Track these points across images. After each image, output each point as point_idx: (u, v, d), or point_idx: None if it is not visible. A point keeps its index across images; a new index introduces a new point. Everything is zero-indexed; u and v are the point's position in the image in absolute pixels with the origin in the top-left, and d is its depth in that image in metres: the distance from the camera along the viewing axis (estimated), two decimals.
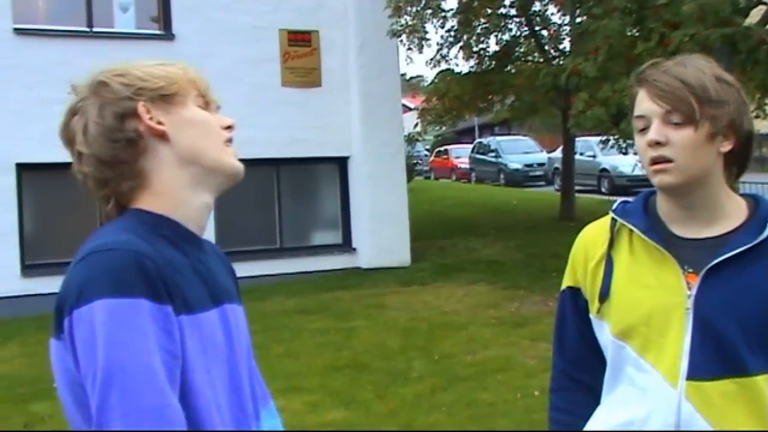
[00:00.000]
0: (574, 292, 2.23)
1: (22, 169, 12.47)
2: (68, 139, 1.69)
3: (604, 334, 2.13)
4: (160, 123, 1.65)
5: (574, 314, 2.23)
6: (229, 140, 1.75)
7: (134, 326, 1.45)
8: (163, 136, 1.65)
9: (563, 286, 2.27)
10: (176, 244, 1.64)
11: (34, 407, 7.52)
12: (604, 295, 2.11)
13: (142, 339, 1.45)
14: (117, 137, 1.62)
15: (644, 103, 2.01)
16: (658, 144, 1.98)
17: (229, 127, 1.75)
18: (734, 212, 2.05)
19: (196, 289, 1.60)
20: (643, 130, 2.02)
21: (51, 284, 12.03)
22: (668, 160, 1.97)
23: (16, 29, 12.47)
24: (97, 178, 1.65)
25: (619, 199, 2.25)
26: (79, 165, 1.67)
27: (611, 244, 2.14)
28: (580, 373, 2.24)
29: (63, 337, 1.50)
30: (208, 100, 1.75)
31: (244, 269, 13.06)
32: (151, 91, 1.66)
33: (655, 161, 1.99)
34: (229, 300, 1.71)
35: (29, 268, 12.48)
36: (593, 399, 2.20)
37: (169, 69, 1.71)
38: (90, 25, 13.07)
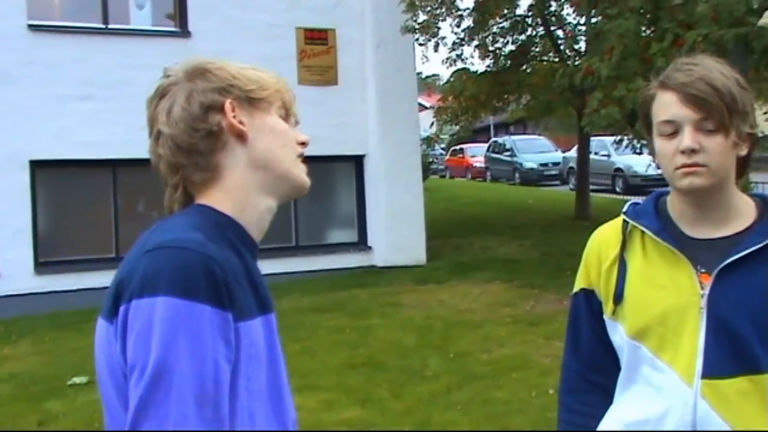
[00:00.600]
0: (588, 294, 2.24)
1: (37, 166, 12.46)
2: (152, 118, 1.71)
3: (618, 335, 2.15)
4: (241, 123, 1.68)
5: (589, 316, 2.24)
6: (301, 155, 1.78)
7: (194, 331, 1.44)
8: (241, 136, 1.68)
9: (576, 288, 2.29)
10: (237, 248, 1.64)
11: (48, 405, 7.56)
12: (619, 296, 2.13)
13: (199, 345, 1.44)
14: (199, 126, 1.65)
15: (674, 108, 2.01)
16: (693, 151, 1.98)
17: (303, 143, 1.79)
18: (744, 212, 2.08)
19: (248, 296, 1.60)
20: (671, 134, 2.01)
21: (64, 282, 12.21)
22: (701, 166, 1.98)
23: (30, 25, 12.46)
24: (171, 163, 1.67)
25: (630, 201, 2.25)
26: (155, 146, 1.69)
27: (624, 245, 2.15)
28: (596, 374, 2.25)
29: (116, 321, 1.50)
30: (290, 114, 1.79)
31: (260, 267, 13.21)
32: (241, 91, 1.69)
33: (686, 166, 1.99)
34: (271, 309, 1.72)
35: (43, 265, 12.51)
36: (607, 400, 2.21)
37: (261, 75, 1.75)
38: (105, 21, 13.09)
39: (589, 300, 2.24)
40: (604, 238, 2.22)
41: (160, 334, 1.43)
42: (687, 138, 1.98)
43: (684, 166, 1.99)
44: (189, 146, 1.65)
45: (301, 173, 1.77)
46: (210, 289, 1.47)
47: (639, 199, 2.23)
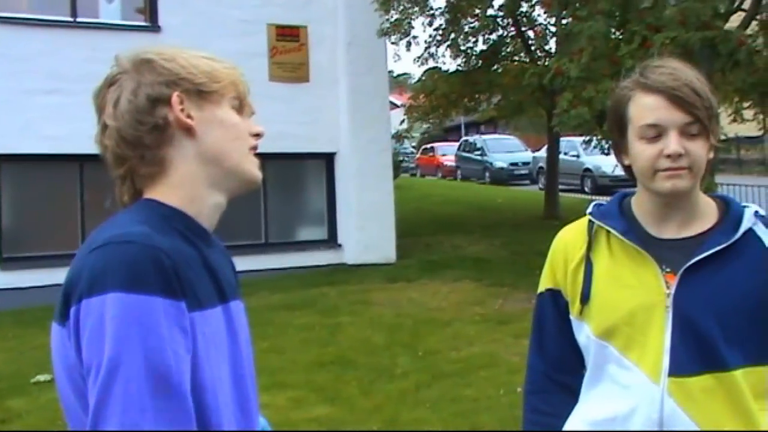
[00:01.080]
0: (554, 294, 2.26)
1: (2, 160, 12.32)
2: (99, 107, 1.67)
3: (584, 334, 2.17)
4: (189, 117, 1.64)
5: (555, 316, 2.26)
6: (254, 147, 1.74)
7: (146, 324, 1.42)
8: (189, 131, 1.64)
9: (541, 288, 2.30)
10: (188, 238, 1.62)
11: (11, 403, 7.47)
12: (585, 296, 2.14)
13: (153, 337, 1.42)
14: (144, 120, 1.61)
15: (659, 112, 2.01)
16: (680, 156, 2.00)
17: (257, 135, 1.75)
18: (707, 213, 2.11)
19: (205, 285, 1.59)
20: (654, 138, 2.01)
21: (29, 278, 12.09)
22: (685, 169, 2.01)
23: None
24: (117, 155, 1.64)
25: (593, 203, 2.27)
26: (102, 136, 1.66)
27: (589, 246, 2.17)
28: (561, 374, 2.26)
29: (68, 324, 1.48)
30: (245, 104, 1.74)
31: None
32: (191, 84, 1.65)
33: (672, 170, 2.00)
34: (234, 296, 1.71)
35: (7, 261, 12.36)
36: (572, 400, 2.22)
37: (214, 65, 1.70)
38: (74, 15, 12.97)
39: (555, 300, 2.25)
40: (570, 239, 2.24)
41: (113, 331, 1.40)
42: (674, 142, 1.98)
43: (669, 169, 2.00)
44: (134, 139, 1.61)
45: (252, 167, 1.73)
46: (159, 281, 1.45)
47: (603, 200, 2.25)
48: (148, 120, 1.61)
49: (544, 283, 2.29)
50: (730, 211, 2.09)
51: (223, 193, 1.71)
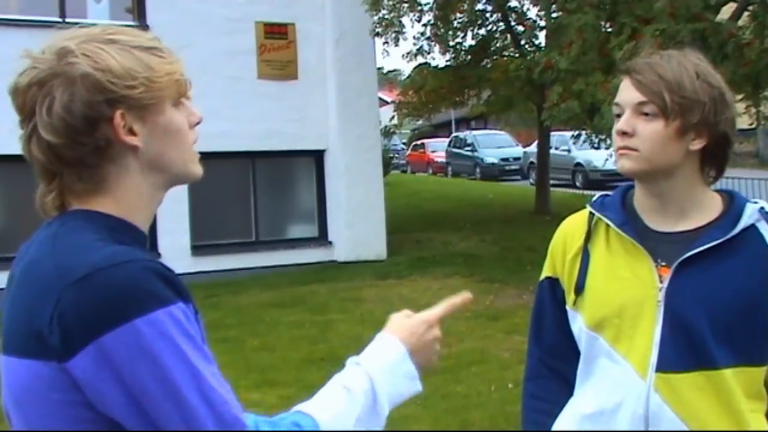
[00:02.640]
0: (553, 282, 2.26)
1: None
2: (24, 108, 1.54)
3: (578, 325, 2.17)
4: (132, 132, 1.51)
5: (553, 304, 2.27)
6: (195, 141, 1.64)
7: (181, 330, 1.40)
8: (134, 148, 1.52)
9: (542, 276, 2.30)
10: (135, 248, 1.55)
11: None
12: (580, 287, 2.14)
13: (190, 339, 1.41)
14: (84, 141, 1.48)
15: (622, 92, 2.05)
16: (625, 134, 2.01)
17: (197, 123, 1.64)
18: (709, 207, 2.07)
19: None
20: (619, 116, 2.05)
21: None
22: (633, 150, 2.01)
23: None
24: (48, 170, 1.52)
25: (599, 193, 2.27)
26: (29, 144, 1.53)
27: (588, 237, 2.16)
28: (557, 361, 2.27)
29: (69, 363, 1.38)
30: (183, 96, 1.61)
31: (219, 263, 13.05)
32: (131, 99, 1.50)
33: (620, 149, 2.03)
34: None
35: (1, 261, 12.29)
36: (568, 388, 2.23)
37: (153, 64, 1.53)
38: (62, 15, 12.94)
39: (553, 288, 2.26)
40: (570, 229, 2.24)
41: (159, 350, 1.37)
42: (621, 121, 2.03)
43: (619, 148, 2.03)
44: (73, 159, 1.49)
45: (194, 167, 1.63)
46: (170, 288, 1.42)
47: (609, 192, 2.24)
48: (87, 141, 1.48)
49: (545, 271, 2.29)
50: (732, 206, 2.06)
51: (164, 190, 1.62)
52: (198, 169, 1.64)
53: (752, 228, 2.02)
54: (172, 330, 1.38)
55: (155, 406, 1.37)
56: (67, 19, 12.89)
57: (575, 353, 2.21)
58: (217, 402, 1.40)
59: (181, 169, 1.61)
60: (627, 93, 2.03)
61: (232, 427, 1.40)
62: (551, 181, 20.47)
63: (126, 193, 1.55)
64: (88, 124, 1.48)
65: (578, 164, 25.93)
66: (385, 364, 1.72)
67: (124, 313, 1.36)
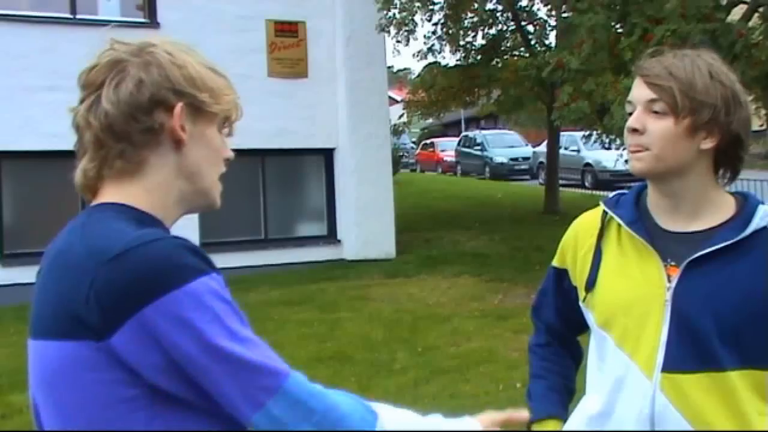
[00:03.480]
0: (559, 273, 2.29)
1: (3, 157, 12.33)
2: (93, 83, 1.61)
3: (591, 322, 2.19)
4: (183, 129, 1.61)
5: (554, 292, 2.32)
6: (222, 174, 1.73)
7: (219, 295, 1.48)
8: (179, 143, 1.61)
9: (551, 264, 2.34)
10: None
11: (12, 398, 7.47)
12: (591, 285, 2.14)
13: (228, 305, 1.50)
14: (141, 118, 1.57)
15: (634, 90, 2.05)
16: (635, 131, 2.01)
17: (227, 160, 1.73)
18: (721, 207, 2.06)
19: None
20: (631, 114, 2.05)
21: (30, 274, 11.96)
22: (644, 148, 2.00)
23: None
24: (98, 137, 1.58)
25: (612, 193, 2.27)
26: (87, 112, 1.60)
27: (601, 234, 2.17)
28: (555, 336, 2.38)
29: (108, 341, 1.43)
30: (228, 127, 1.73)
31: (228, 260, 13.06)
32: (195, 99, 1.62)
33: (632, 147, 2.03)
34: None
35: (9, 257, 12.37)
36: (569, 353, 2.38)
37: (219, 83, 1.68)
38: (74, 11, 12.97)
39: (558, 277, 2.30)
40: (584, 225, 2.24)
41: (196, 321, 1.44)
42: (632, 118, 2.03)
43: (631, 147, 2.03)
44: (122, 132, 1.57)
45: (217, 195, 1.71)
46: (203, 259, 1.49)
47: (626, 191, 2.25)
48: (144, 119, 1.57)
49: (554, 260, 2.33)
50: (745, 208, 2.04)
51: (184, 210, 1.69)
52: (218, 200, 1.72)
53: (763, 230, 2.00)
54: (209, 298, 1.46)
55: (200, 370, 1.45)
56: (78, 16, 12.94)
57: (572, 333, 2.34)
58: (257, 357, 1.48)
59: (208, 188, 1.69)
60: (638, 90, 2.03)
61: (275, 377, 1.49)
62: (560, 181, 20.46)
63: (157, 187, 1.61)
64: (150, 104, 1.57)
65: (587, 164, 25.89)
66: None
67: (162, 285, 1.43)
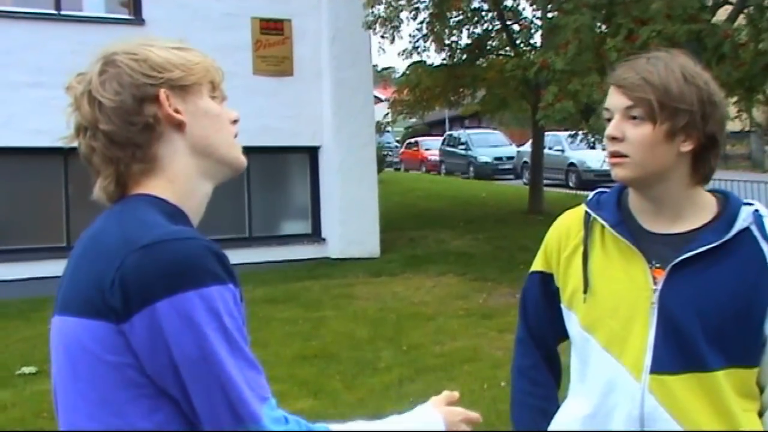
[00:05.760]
0: (544, 277, 2.27)
1: None
2: (82, 125, 1.66)
3: (573, 324, 2.17)
4: (177, 111, 1.66)
5: (538, 297, 2.30)
6: (236, 135, 1.77)
7: (227, 310, 1.51)
8: (180, 125, 1.66)
9: (533, 269, 2.32)
10: None
11: None
12: (586, 286, 2.13)
13: (233, 320, 1.52)
14: (135, 120, 1.62)
15: (610, 97, 2.06)
16: (615, 139, 2.02)
17: (235, 121, 1.78)
18: (704, 208, 2.07)
19: None
20: (609, 120, 2.06)
21: (13, 271, 12.02)
22: (623, 156, 2.01)
23: None
24: (106, 156, 1.64)
25: (596, 191, 2.27)
26: (86, 139, 1.66)
27: (586, 236, 2.16)
28: (542, 349, 2.34)
29: (128, 324, 1.48)
30: (217, 91, 1.76)
31: None
32: (171, 80, 1.66)
33: (611, 155, 2.04)
34: None
35: None
36: (555, 369, 2.34)
37: (187, 57, 1.71)
38: (58, 7, 12.91)
39: (544, 282, 2.28)
40: (566, 227, 2.24)
41: (204, 324, 1.47)
42: (610, 126, 2.04)
43: (611, 154, 2.04)
44: (125, 140, 1.62)
45: (239, 154, 1.77)
46: (224, 270, 1.52)
47: (606, 189, 2.25)
48: (138, 120, 1.63)
49: (536, 265, 2.31)
50: (727, 209, 2.05)
51: (212, 181, 1.74)
52: (242, 157, 1.78)
53: (746, 231, 2.02)
54: (221, 307, 1.49)
55: (193, 373, 1.48)
56: (63, 12, 12.87)
57: (556, 352, 2.31)
58: (244, 382, 1.50)
59: (226, 154, 1.73)
60: (615, 98, 2.04)
61: (249, 416, 1.50)
62: (545, 181, 20.50)
63: (177, 174, 1.67)
64: (136, 103, 1.62)
65: (572, 164, 26.02)
66: (420, 423, 1.83)
67: (180, 283, 1.47)
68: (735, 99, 14.00)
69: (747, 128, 13.56)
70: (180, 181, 1.67)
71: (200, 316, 1.46)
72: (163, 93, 1.64)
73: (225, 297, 1.51)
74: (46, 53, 12.18)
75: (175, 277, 1.47)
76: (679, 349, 1.98)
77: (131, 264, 1.49)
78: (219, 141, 1.72)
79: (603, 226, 2.13)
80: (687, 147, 2.00)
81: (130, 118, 1.62)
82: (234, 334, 1.50)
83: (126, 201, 1.66)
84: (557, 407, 2.26)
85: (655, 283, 2.02)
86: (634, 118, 1.99)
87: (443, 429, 1.80)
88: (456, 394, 1.93)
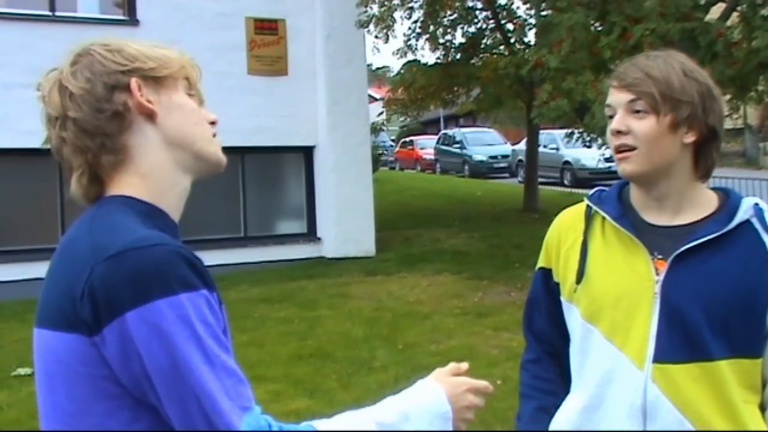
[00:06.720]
0: (546, 273, 2.31)
1: None
2: (49, 102, 1.66)
3: (573, 317, 2.20)
4: (149, 101, 1.62)
5: (544, 294, 2.32)
6: (214, 135, 1.73)
7: (200, 317, 1.46)
8: (151, 116, 1.63)
9: (537, 266, 2.35)
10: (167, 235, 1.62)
11: None
12: (579, 278, 2.17)
13: (208, 327, 1.47)
14: (104, 107, 1.59)
15: (611, 95, 2.10)
16: (620, 133, 2.05)
17: (213, 123, 1.74)
18: (705, 202, 2.12)
19: None
20: (611, 117, 2.09)
21: (8, 272, 12.01)
22: (631, 148, 2.04)
23: None
24: (76, 146, 1.61)
25: (596, 188, 2.31)
26: (56, 129, 1.63)
27: (586, 229, 2.20)
28: (548, 345, 2.35)
29: (100, 336, 1.45)
30: (195, 91, 1.73)
31: (208, 258, 13.00)
32: (145, 70, 1.64)
33: (618, 149, 2.07)
34: None
35: None
36: (563, 371, 2.30)
37: (164, 52, 1.69)
38: (52, 8, 12.89)
39: (545, 278, 2.31)
40: (566, 222, 2.28)
41: (175, 333, 1.42)
42: (614, 120, 2.07)
43: (616, 149, 2.07)
44: (94, 128, 1.59)
45: (217, 150, 1.73)
46: (196, 275, 1.48)
47: (606, 187, 2.29)
48: (107, 107, 1.60)
49: (539, 262, 2.34)
50: (728, 202, 2.10)
51: (190, 175, 1.70)
52: (221, 155, 1.74)
53: (747, 223, 2.06)
54: (192, 315, 1.44)
55: (166, 385, 1.43)
56: (57, 13, 12.86)
57: (565, 342, 2.27)
58: (220, 391, 1.44)
59: (203, 148, 1.69)
60: (617, 94, 2.08)
61: (226, 428, 1.43)
62: (539, 179, 20.52)
63: (151, 167, 1.63)
64: (106, 91, 1.60)
65: (566, 162, 26.02)
66: (424, 403, 1.79)
67: (148, 292, 1.42)
68: (728, 97, 14.03)
69: (738, 126, 13.57)
70: (154, 175, 1.63)
71: (170, 326, 1.42)
72: (134, 82, 1.61)
73: (197, 303, 1.46)
74: (41, 54, 12.07)
75: (142, 287, 1.43)
76: (683, 339, 2.01)
77: (98, 275, 1.46)
78: (195, 134, 1.68)
79: (604, 220, 2.17)
80: (690, 138, 2.05)
81: (99, 105, 1.59)
82: (208, 341, 1.45)
83: (99, 204, 1.62)
84: (561, 400, 2.28)
85: (658, 274, 2.05)
86: (638, 111, 2.03)
87: (446, 404, 1.80)
88: (465, 365, 1.93)
